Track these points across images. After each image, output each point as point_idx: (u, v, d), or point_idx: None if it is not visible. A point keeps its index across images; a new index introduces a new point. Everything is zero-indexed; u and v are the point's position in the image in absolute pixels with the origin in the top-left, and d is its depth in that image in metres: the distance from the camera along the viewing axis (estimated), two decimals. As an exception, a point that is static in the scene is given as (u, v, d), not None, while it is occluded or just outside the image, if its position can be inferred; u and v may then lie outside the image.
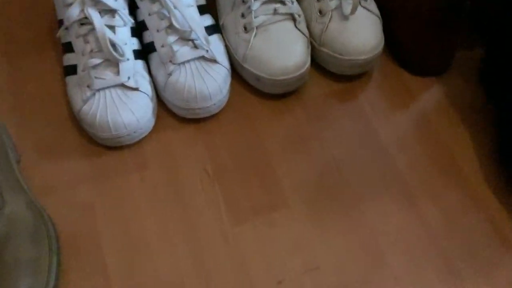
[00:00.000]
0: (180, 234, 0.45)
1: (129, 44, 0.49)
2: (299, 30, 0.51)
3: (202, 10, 0.52)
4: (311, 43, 0.53)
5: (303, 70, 0.50)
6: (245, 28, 0.51)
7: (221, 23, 0.54)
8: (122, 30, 0.49)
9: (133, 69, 0.48)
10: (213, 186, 0.47)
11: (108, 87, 0.47)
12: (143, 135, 0.49)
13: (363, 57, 0.51)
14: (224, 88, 0.50)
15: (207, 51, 0.49)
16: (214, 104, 0.49)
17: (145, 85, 0.49)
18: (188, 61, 0.49)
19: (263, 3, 0.50)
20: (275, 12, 0.50)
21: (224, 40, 0.53)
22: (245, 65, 0.51)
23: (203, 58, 0.49)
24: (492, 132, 0.52)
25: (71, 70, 0.49)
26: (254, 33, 0.50)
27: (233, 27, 0.52)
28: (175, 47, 0.48)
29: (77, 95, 0.47)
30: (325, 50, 0.52)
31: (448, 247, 0.45)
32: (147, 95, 0.48)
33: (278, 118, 0.52)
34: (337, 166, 0.49)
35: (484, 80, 0.54)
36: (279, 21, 0.51)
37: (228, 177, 0.48)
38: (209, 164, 0.49)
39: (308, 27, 0.53)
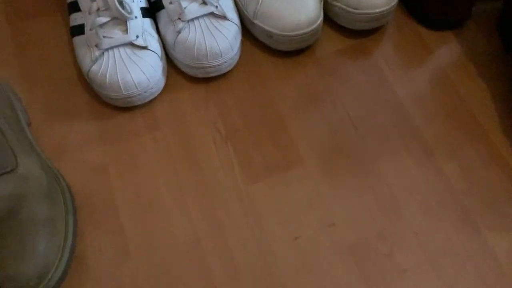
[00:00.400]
0: (194, 194, 0.44)
1: (137, 1, 0.48)
2: (311, -17, 0.49)
3: None
4: (323, -3, 0.51)
5: (315, 25, 0.48)
6: (255, -17, 0.49)
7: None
8: None
9: (141, 28, 0.47)
10: (225, 146, 0.47)
11: (117, 46, 0.46)
12: (154, 95, 0.48)
13: (378, 10, 0.49)
14: (234, 45, 0.48)
15: (216, 7, 0.48)
16: (225, 62, 0.48)
17: (154, 43, 0.48)
18: (197, 17, 0.47)
19: (273, -44, 0.49)
20: (286, -34, 0.49)
21: (235, -3, 0.52)
22: (256, 21, 0.50)
23: (212, 14, 0.48)
24: (511, 85, 0.50)
25: (78, 30, 0.48)
26: (264, -12, 0.48)
27: (242, -17, 0.50)
28: (184, 4, 0.47)
29: (85, 55, 0.47)
30: (338, 4, 0.50)
31: (466, 201, 0.44)
32: (157, 54, 0.47)
33: (290, 76, 0.51)
34: (352, 123, 0.48)
35: (503, 31, 0.52)
36: (291, -24, 0.49)
37: (240, 136, 0.47)
38: (221, 124, 0.48)
39: (320, -20, 0.51)
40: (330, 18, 0.53)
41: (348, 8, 0.50)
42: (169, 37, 0.48)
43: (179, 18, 0.47)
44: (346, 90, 0.50)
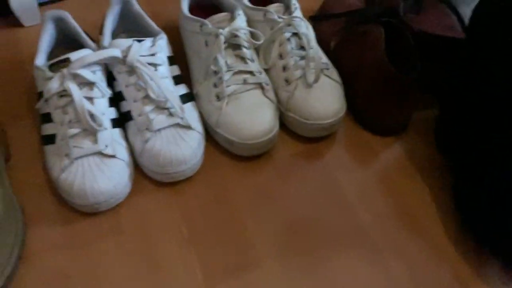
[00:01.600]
0: (157, 297, 0.46)
1: (107, 114, 0.52)
2: (267, 97, 0.55)
3: (176, 80, 0.56)
4: (279, 108, 0.57)
5: (272, 134, 0.54)
6: (218, 97, 0.55)
7: (194, 92, 0.58)
8: (100, 101, 0.52)
9: (110, 138, 0.51)
10: (188, 247, 0.49)
11: (86, 155, 0.49)
12: (120, 201, 0.51)
13: (327, 121, 0.55)
14: (198, 152, 0.53)
15: (182, 118, 0.52)
16: (189, 168, 0.52)
17: (122, 151, 0.52)
18: (164, 128, 0.52)
19: (234, 73, 0.55)
20: (245, 82, 0.55)
21: (198, 107, 0.57)
22: (218, 130, 0.55)
23: (178, 125, 0.52)
24: (448, 185, 0.56)
25: (49, 139, 0.51)
26: (226, 101, 0.54)
27: (206, 96, 0.56)
28: (152, 116, 0.52)
29: (55, 164, 0.50)
30: (291, 115, 0.56)
31: (413, 299, 0.47)
32: (124, 161, 0.51)
33: (249, 177, 0.55)
34: (305, 223, 0.52)
35: (438, 136, 0.59)
36: (249, 90, 0.55)
37: (202, 237, 0.50)
38: (184, 226, 0.51)
39: (275, 94, 0.57)
40: (284, 125, 0.58)
41: (300, 119, 0.56)
42: (137, 145, 0.52)
43: (147, 129, 0.52)
44: (300, 191, 0.54)
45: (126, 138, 0.54)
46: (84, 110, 0.49)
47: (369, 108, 0.58)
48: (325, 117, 0.55)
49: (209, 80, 0.55)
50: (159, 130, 0.52)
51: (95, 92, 0.52)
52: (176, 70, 0.57)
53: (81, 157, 0.49)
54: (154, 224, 0.51)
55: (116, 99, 0.55)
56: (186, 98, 0.56)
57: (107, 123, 0.51)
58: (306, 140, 0.58)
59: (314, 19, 0.67)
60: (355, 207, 0.54)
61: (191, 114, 0.55)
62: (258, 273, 0.48)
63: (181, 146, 0.51)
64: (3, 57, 0.65)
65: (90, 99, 0.51)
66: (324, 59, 0.58)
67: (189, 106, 0.55)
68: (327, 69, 0.58)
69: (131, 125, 0.53)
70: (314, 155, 0.58)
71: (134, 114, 0.52)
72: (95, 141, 0.50)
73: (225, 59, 0.54)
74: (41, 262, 0.47)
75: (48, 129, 0.52)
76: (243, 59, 0.56)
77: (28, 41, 0.67)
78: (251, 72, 0.55)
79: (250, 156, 0.56)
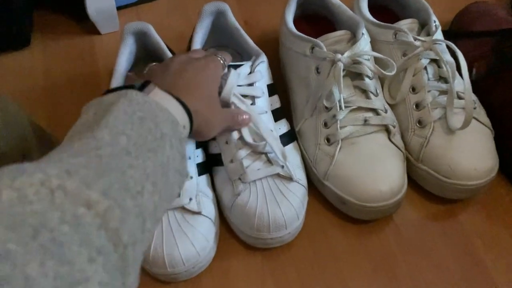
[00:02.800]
0: None
1: (193, 158, 0.42)
2: (393, 144, 0.43)
3: (277, 115, 0.45)
4: (407, 157, 0.44)
5: (399, 196, 0.41)
6: (328, 140, 0.43)
7: (297, 129, 0.46)
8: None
9: (196, 189, 0.41)
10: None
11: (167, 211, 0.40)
12: (203, 269, 0.41)
13: (475, 182, 0.41)
14: (301, 212, 0.41)
15: (282, 167, 0.41)
16: (289, 233, 0.41)
17: (209, 206, 0.41)
18: (260, 178, 0.41)
19: (351, 111, 0.42)
20: (366, 122, 0.42)
21: (301, 149, 0.45)
22: (327, 183, 0.43)
23: (277, 175, 0.41)
24: None
25: None
26: (339, 146, 0.42)
27: (312, 137, 0.44)
28: (246, 163, 0.41)
29: None
30: (425, 168, 0.43)
31: None
32: (210, 219, 0.41)
33: (363, 246, 0.43)
34: (441, 320, 0.39)
35: None
36: (370, 133, 0.42)
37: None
38: (280, 306, 0.40)
39: (402, 137, 0.44)
40: (413, 179, 0.45)
41: (437, 175, 0.42)
42: (226, 197, 0.42)
43: (240, 179, 0.41)
44: (431, 272, 0.41)
45: (213, 185, 0.44)
46: None
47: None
48: (473, 177, 0.41)
49: (318, 117, 0.43)
50: (254, 181, 0.41)
51: None
52: (276, 102, 0.45)
53: None
54: (242, 301, 0.40)
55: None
56: (287, 138, 0.44)
57: (193, 170, 0.41)
58: (439, 201, 0.45)
59: (449, 36, 0.53)
60: (508, 301, 0.40)
61: (293, 160, 0.43)
62: None
63: (281, 205, 0.40)
64: (77, 67, 0.57)
65: None
66: (473, 95, 0.44)
67: (291, 149, 0.44)
68: (474, 108, 0.43)
69: (220, 172, 0.43)
70: (449, 222, 0.44)
71: (225, 159, 0.42)
72: (179, 193, 0.40)
73: (342, 92, 0.42)
74: None
75: None
76: (364, 92, 0.43)
77: (104, 50, 0.59)
78: (374, 110, 0.43)
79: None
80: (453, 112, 0.42)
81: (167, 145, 0.28)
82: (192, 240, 0.39)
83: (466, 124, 0.41)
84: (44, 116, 0.52)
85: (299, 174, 0.42)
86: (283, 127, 0.45)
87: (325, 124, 0.43)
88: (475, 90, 0.45)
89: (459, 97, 0.43)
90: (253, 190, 0.41)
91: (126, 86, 0.32)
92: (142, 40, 0.47)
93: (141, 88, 0.31)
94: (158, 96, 0.31)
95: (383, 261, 0.42)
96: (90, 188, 0.22)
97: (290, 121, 0.46)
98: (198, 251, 0.39)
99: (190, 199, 0.40)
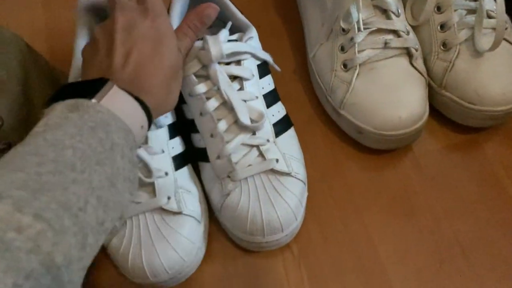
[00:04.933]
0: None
1: (167, 150, 0.37)
2: (416, 69, 0.39)
3: (270, 99, 0.39)
4: (429, 84, 0.41)
5: (419, 124, 0.38)
6: (345, 66, 0.40)
7: (311, 55, 0.43)
8: (155, 135, 0.37)
9: (173, 185, 0.36)
10: (298, 269, 0.38)
11: (141, 213, 0.36)
12: (191, 273, 0.37)
13: (502, 108, 0.38)
14: (299, 212, 0.37)
15: (277, 160, 0.36)
16: (286, 235, 0.36)
17: (192, 203, 0.37)
18: (251, 175, 0.36)
19: (371, 33, 0.39)
20: (386, 45, 0.39)
21: (315, 77, 0.42)
22: (343, 112, 0.40)
23: (271, 171, 0.36)
24: None
25: None
26: (356, 72, 0.39)
27: (328, 63, 0.41)
28: (235, 158, 0.36)
29: None
30: (448, 95, 0.40)
31: None
32: (194, 218, 0.36)
33: (381, 179, 0.41)
34: (462, 250, 0.38)
35: None
36: (391, 57, 0.39)
37: (316, 258, 0.38)
38: (293, 241, 0.39)
39: (425, 62, 0.41)
40: (434, 107, 0.42)
41: (461, 101, 0.39)
42: (214, 198, 0.37)
43: (228, 177, 0.36)
44: (452, 205, 0.39)
45: (200, 178, 0.39)
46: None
47: None
48: (501, 103, 0.38)
49: (335, 42, 0.40)
50: (245, 179, 0.36)
51: None
52: (269, 84, 0.39)
53: (135, 215, 0.36)
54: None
55: (184, 128, 0.39)
56: (283, 124, 0.39)
57: (168, 165, 0.36)
58: (462, 130, 0.42)
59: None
60: (533, 232, 0.38)
61: (290, 151, 0.38)
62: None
63: (276, 206, 0.35)
64: None
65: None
66: (505, 15, 0.40)
67: (288, 138, 0.38)
68: (506, 28, 0.40)
69: (206, 169, 0.38)
70: (472, 152, 0.42)
71: (211, 154, 0.37)
72: (153, 192, 0.36)
73: (359, 12, 0.38)
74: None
75: None
76: (384, 12, 0.40)
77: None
78: (395, 32, 0.39)
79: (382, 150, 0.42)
80: (482, 32, 0.39)
81: (117, 156, 0.26)
82: (174, 245, 0.35)
83: (495, 45, 0.37)
84: (45, 49, 0.50)
85: (297, 167, 0.37)
86: (277, 113, 0.39)
87: (342, 49, 0.40)
88: (508, 9, 0.41)
89: (489, 16, 0.39)
90: (245, 189, 0.36)
91: (83, 83, 0.29)
92: (103, 17, 0.39)
93: (98, 85, 0.27)
94: (115, 99, 0.28)
95: (401, 194, 0.40)
96: (22, 212, 0.21)
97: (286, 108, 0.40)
98: (182, 256, 0.35)
99: (169, 198, 0.35)
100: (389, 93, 0.38)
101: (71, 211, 0.23)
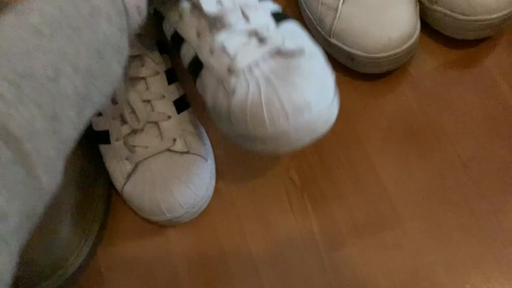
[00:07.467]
0: (269, 265, 0.37)
1: (168, 95, 0.38)
2: (403, -15, 0.38)
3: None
4: (419, 0, 0.40)
5: (411, 42, 0.38)
6: (331, -9, 0.39)
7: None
8: (153, 81, 0.38)
9: (178, 128, 0.38)
10: (301, 199, 0.39)
11: (152, 156, 0.37)
12: (204, 207, 0.39)
13: (496, 15, 0.37)
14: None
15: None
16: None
17: (197, 143, 0.39)
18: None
19: (353, -46, 0.38)
20: (370, -36, 0.38)
21: (304, 6, 0.42)
22: (333, 40, 0.40)
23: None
24: None
25: (103, 137, 0.39)
26: (343, -3, 0.38)
27: (314, -9, 0.40)
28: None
29: (116, 170, 0.38)
30: (440, 8, 0.39)
31: None
32: (201, 156, 0.38)
33: (379, 104, 0.41)
34: (463, 165, 0.38)
35: None
36: (376, -24, 0.38)
37: (319, 188, 0.39)
38: (294, 172, 0.40)
39: (414, -22, 0.40)
40: (427, 25, 0.41)
41: (454, 14, 0.38)
42: (221, 106, 0.31)
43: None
44: (452, 121, 0.39)
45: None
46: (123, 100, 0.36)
47: None
48: (494, 9, 0.37)
49: (318, -31, 0.39)
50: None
51: (144, 69, 0.38)
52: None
53: (146, 159, 0.37)
54: (260, 171, 0.40)
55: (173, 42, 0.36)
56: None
57: (170, 109, 0.38)
58: (457, 44, 0.41)
59: None
60: (536, 140, 0.38)
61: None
62: (397, 232, 0.36)
63: (298, 86, 0.29)
64: None
65: (138, 79, 0.38)
66: None
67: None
68: None
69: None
70: (470, 68, 0.41)
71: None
72: (159, 136, 0.38)
73: None
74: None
75: (99, 123, 0.39)
76: None
77: None
78: (378, -51, 0.38)
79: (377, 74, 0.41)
80: None
81: (102, 21, 0.24)
82: (186, 182, 0.37)
83: None
84: None
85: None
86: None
87: (326, -26, 0.39)
88: None
89: None
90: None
91: None
92: None
93: None
94: None
95: (400, 116, 0.40)
96: None
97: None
98: (194, 191, 0.37)
99: (175, 140, 0.37)
100: (376, 14, 0.38)
101: (34, 80, 0.21)
